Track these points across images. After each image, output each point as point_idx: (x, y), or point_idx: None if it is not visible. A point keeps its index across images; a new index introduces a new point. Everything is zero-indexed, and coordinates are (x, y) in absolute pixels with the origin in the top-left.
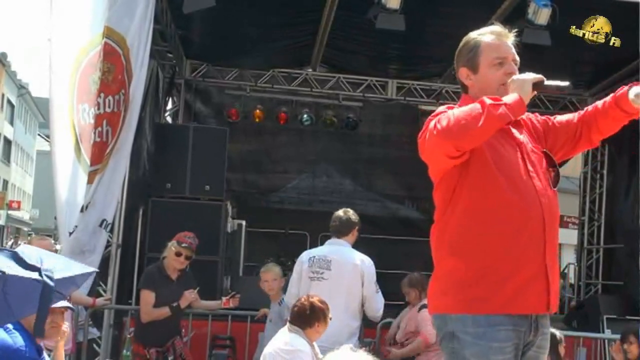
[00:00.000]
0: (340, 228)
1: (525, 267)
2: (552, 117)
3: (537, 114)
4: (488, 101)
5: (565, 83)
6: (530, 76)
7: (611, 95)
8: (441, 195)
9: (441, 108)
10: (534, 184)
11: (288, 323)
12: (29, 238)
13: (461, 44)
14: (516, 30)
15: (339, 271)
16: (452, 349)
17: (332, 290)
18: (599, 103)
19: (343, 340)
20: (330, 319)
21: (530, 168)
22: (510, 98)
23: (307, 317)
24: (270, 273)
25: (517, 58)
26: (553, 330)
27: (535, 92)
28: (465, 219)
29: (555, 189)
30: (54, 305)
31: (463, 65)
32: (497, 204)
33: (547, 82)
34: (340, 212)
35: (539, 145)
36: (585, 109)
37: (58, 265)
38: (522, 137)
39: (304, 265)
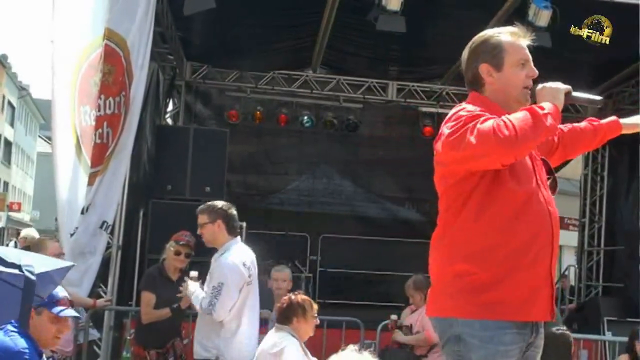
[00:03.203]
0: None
1: (535, 275)
2: None
3: None
4: (540, 111)
5: (598, 97)
6: (562, 86)
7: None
8: (451, 201)
9: (466, 109)
10: (542, 193)
11: (275, 324)
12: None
13: (479, 40)
14: (532, 32)
15: (255, 271)
16: (457, 352)
17: (256, 290)
18: (578, 125)
19: (255, 344)
20: (315, 317)
21: (538, 176)
22: (550, 108)
23: (285, 314)
24: (283, 273)
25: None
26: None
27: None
28: (480, 226)
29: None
30: (63, 314)
31: (485, 61)
32: (513, 212)
33: (574, 94)
34: (224, 205)
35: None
36: (564, 126)
37: (36, 262)
38: None
39: (245, 273)
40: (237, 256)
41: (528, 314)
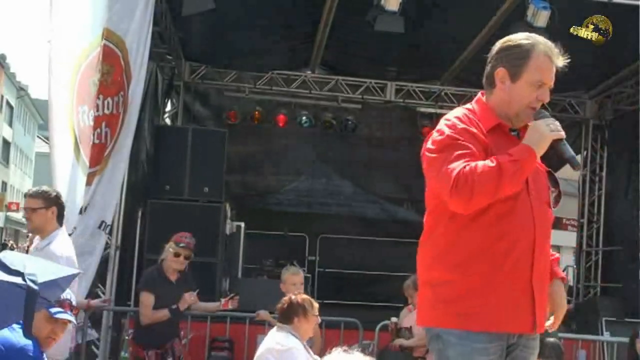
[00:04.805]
0: None
1: (513, 286)
2: None
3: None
4: (512, 168)
5: (577, 162)
6: (552, 134)
7: None
8: (434, 205)
9: (446, 123)
10: (532, 203)
11: (277, 323)
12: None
13: (510, 42)
14: (566, 56)
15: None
16: (438, 349)
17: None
18: None
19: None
20: (316, 315)
21: (531, 185)
22: (524, 159)
23: (286, 314)
24: (299, 276)
25: (552, 85)
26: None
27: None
28: (458, 235)
29: (553, 209)
30: (59, 316)
31: (504, 66)
32: (492, 222)
33: (563, 146)
34: (58, 193)
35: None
36: None
37: (41, 269)
38: None
39: (76, 265)
40: (67, 247)
41: (503, 326)
